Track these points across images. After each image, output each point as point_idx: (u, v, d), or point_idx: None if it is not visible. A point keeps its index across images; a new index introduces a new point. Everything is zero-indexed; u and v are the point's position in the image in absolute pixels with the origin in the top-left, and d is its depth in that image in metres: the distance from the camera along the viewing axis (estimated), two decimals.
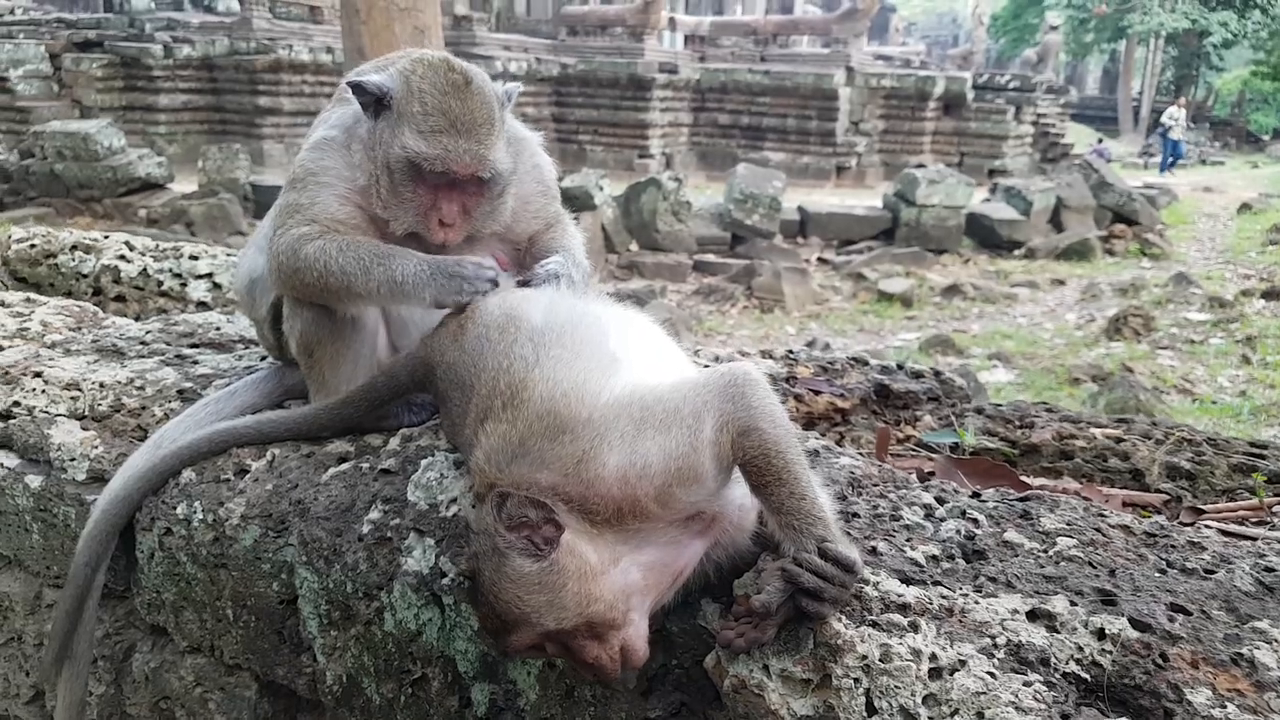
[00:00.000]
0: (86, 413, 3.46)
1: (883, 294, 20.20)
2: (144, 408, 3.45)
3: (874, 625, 2.00)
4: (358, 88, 2.93)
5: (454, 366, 2.61)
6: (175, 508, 3.01)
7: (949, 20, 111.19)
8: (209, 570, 2.96)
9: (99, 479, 3.22)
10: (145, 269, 5.39)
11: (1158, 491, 3.26)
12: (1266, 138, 73.56)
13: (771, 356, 4.23)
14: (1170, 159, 50.00)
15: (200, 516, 2.95)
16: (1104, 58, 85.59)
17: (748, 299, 19.95)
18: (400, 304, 2.98)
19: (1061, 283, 21.96)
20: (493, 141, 2.95)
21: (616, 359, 2.38)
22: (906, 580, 2.13)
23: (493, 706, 2.46)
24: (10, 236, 5.73)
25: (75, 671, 3.07)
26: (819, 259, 24.63)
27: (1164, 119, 51.15)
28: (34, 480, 3.33)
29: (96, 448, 3.31)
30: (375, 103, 2.94)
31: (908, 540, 2.32)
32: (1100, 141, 53.66)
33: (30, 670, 3.57)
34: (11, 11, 42.26)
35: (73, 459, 3.29)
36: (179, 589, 3.05)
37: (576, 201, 23.09)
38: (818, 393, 3.90)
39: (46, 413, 3.47)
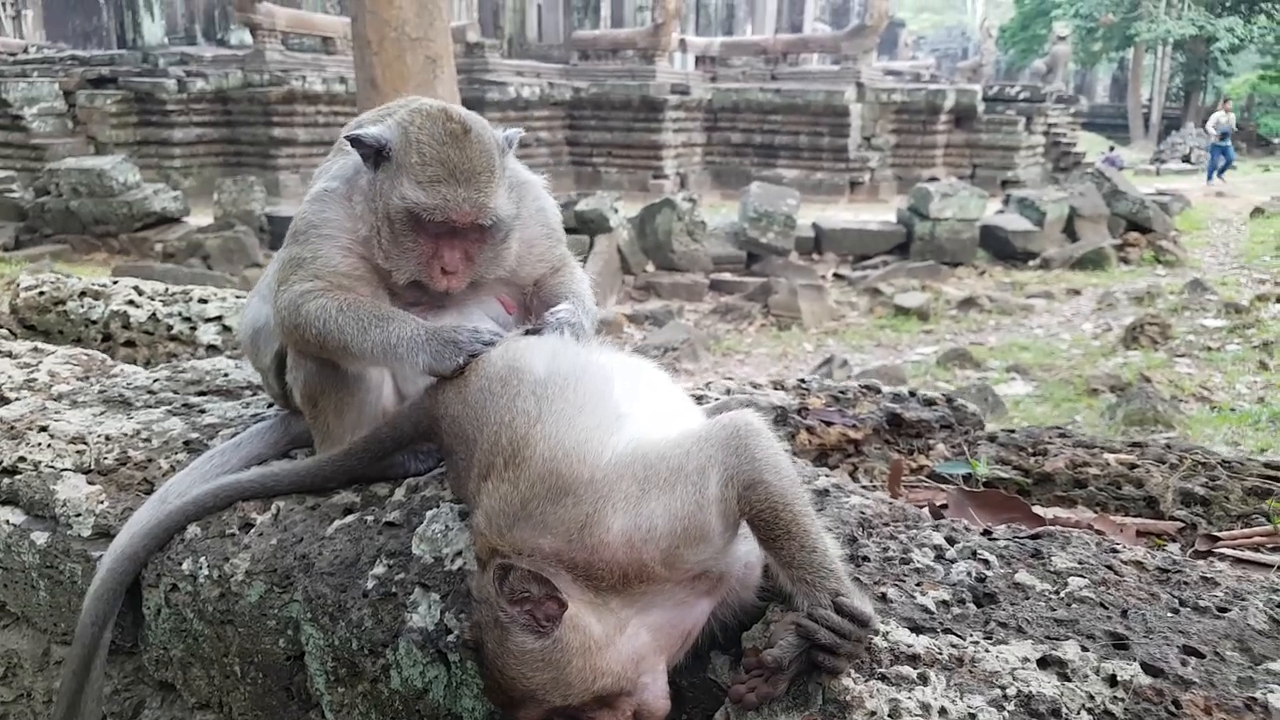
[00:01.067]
0: (92, 466, 3.45)
1: (899, 308, 20.14)
2: (150, 460, 3.44)
3: (883, 679, 1.97)
4: (356, 141, 2.93)
5: (457, 420, 2.59)
6: (181, 563, 2.99)
7: (958, 33, 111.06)
8: (215, 626, 2.94)
9: (105, 534, 3.21)
10: (154, 314, 5.39)
11: (1172, 519, 3.23)
12: (1277, 141, 73.31)
13: (784, 387, 4.20)
14: (1222, 164, 47.22)
15: (206, 572, 2.93)
16: (1113, 66, 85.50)
17: (764, 317, 19.92)
18: (395, 368, 2.97)
19: (1077, 292, 21.87)
20: (493, 189, 2.94)
21: (620, 413, 2.35)
22: (916, 629, 2.10)
23: None
24: (19, 284, 5.75)
25: None
26: (834, 275, 24.59)
27: (1209, 126, 49.57)
28: (40, 537, 3.32)
29: (102, 503, 3.30)
30: (374, 154, 2.94)
31: (918, 585, 2.28)
32: (1112, 149, 53.47)
33: None
34: (25, 50, 42.61)
35: (78, 515, 3.28)
36: (186, 645, 3.03)
37: (592, 224, 23.11)
38: (829, 424, 3.87)
39: (52, 467, 3.46)
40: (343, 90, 32.71)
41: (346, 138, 2.99)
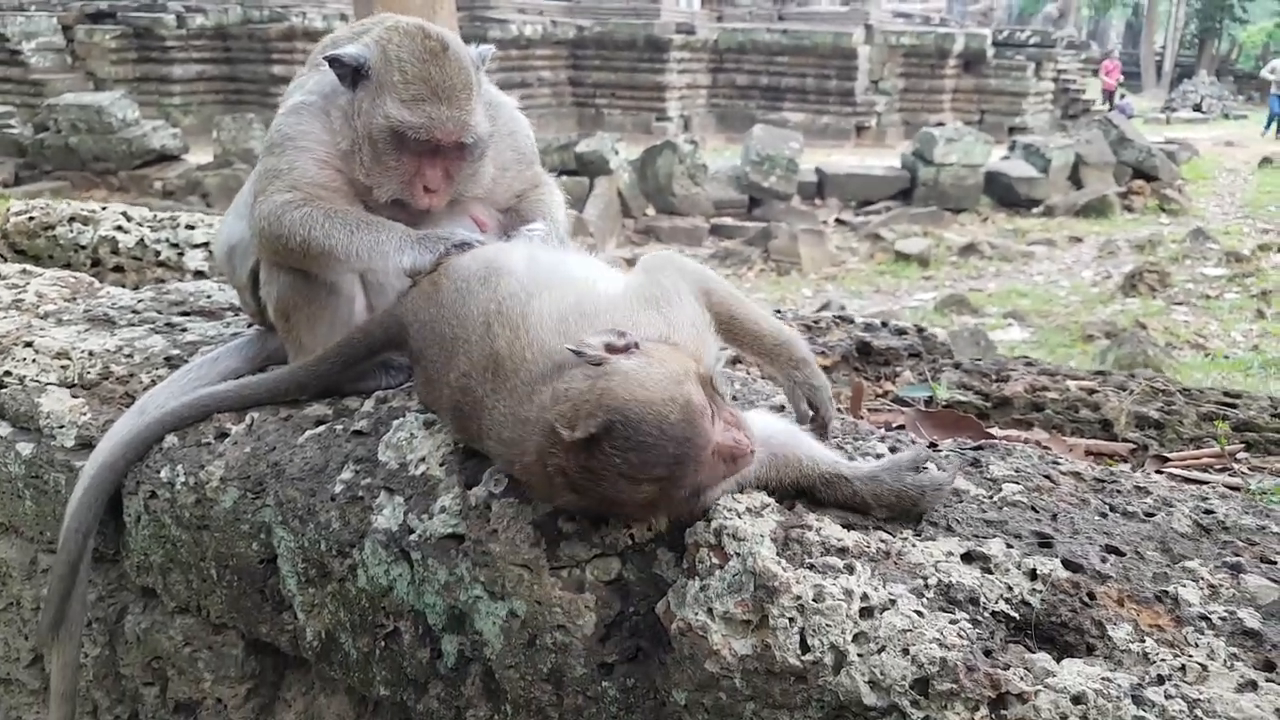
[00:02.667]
0: (76, 381, 3.53)
1: (900, 254, 20.16)
2: (131, 375, 3.52)
3: (810, 568, 2.06)
4: (334, 60, 2.98)
5: (430, 323, 2.68)
6: (159, 472, 3.08)
7: None
8: (192, 532, 3.03)
9: (87, 445, 3.29)
10: (142, 239, 5.45)
11: (1125, 441, 3.31)
12: None
13: None
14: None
15: (182, 480, 3.02)
16: (1126, 11, 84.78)
17: (764, 262, 19.96)
18: (380, 267, 3.01)
19: (1079, 240, 21.88)
20: (473, 106, 3.00)
21: (602, 277, 2.60)
22: (849, 525, 2.20)
23: (461, 657, 2.52)
24: (9, 210, 5.81)
25: (70, 635, 3.15)
26: (836, 220, 24.59)
27: (1266, 73, 47.64)
28: (25, 448, 3.41)
29: (85, 415, 3.38)
30: (352, 73, 2.99)
31: None
32: (1122, 97, 53.09)
33: (29, 634, 3.66)
34: None
35: (61, 426, 3.37)
36: (165, 551, 3.12)
37: (592, 166, 23.09)
38: None
39: (37, 381, 3.54)
40: None
41: (325, 58, 3.04)
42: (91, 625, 3.40)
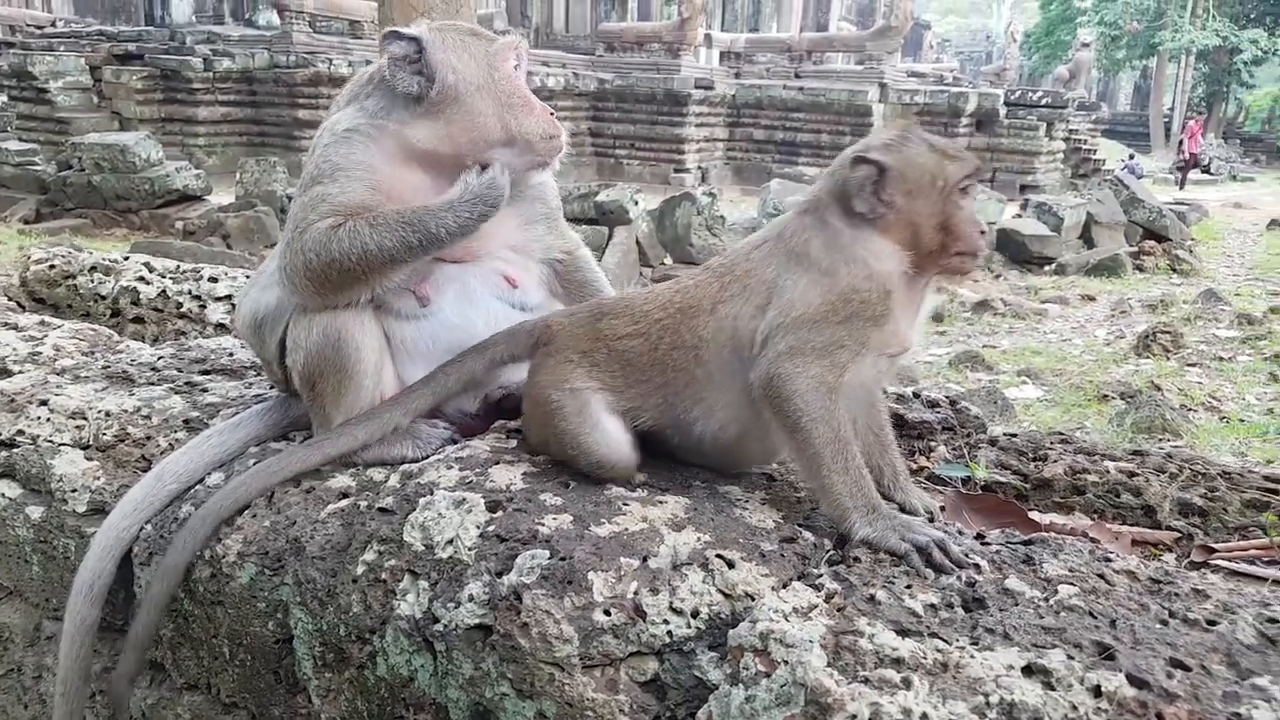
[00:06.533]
0: (91, 442, 3.45)
1: None
2: (149, 438, 3.44)
3: (865, 681, 1.95)
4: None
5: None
6: (174, 543, 2.98)
7: (983, 37, 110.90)
8: (205, 607, 2.93)
9: (100, 510, 3.20)
10: (164, 290, 5.39)
11: (1169, 529, 3.21)
12: None
13: None
14: None
15: (199, 551, 2.93)
16: (1135, 74, 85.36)
17: None
18: (447, 239, 2.98)
19: (1092, 299, 21.78)
20: None
21: None
22: (903, 632, 2.09)
23: None
24: (30, 257, 5.75)
25: (72, 708, 3.05)
26: None
27: None
28: (35, 511, 3.32)
29: (99, 479, 3.30)
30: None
31: (908, 587, 2.27)
32: (1131, 157, 53.25)
33: (29, 702, 3.55)
34: (53, 24, 42.71)
35: (74, 490, 3.28)
36: (176, 625, 3.03)
37: (611, 216, 23.08)
38: None
39: (50, 442, 3.46)
40: None
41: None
42: (95, 697, 3.29)
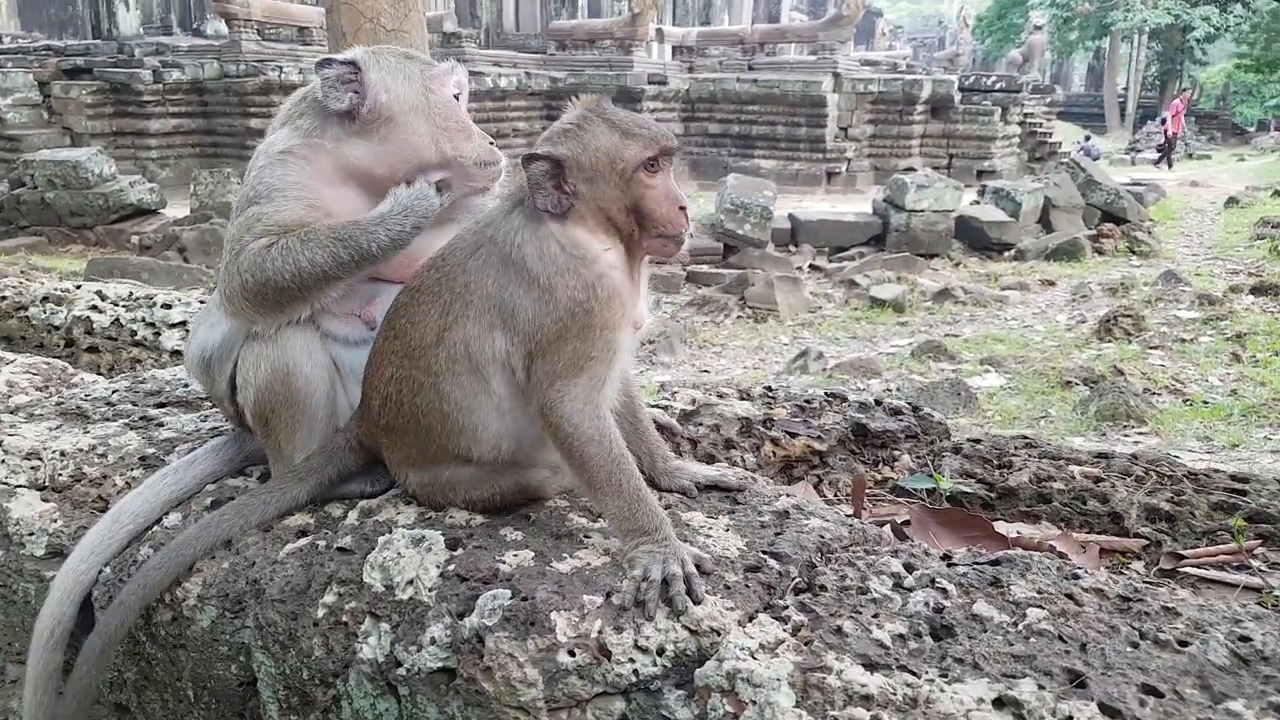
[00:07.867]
0: (47, 483, 3.39)
1: (874, 300, 20.10)
2: (105, 477, 3.38)
3: None
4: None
5: None
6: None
7: (935, 23, 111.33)
8: (168, 651, 2.89)
9: (58, 553, 3.15)
10: (117, 319, 5.32)
11: (1137, 536, 3.20)
12: (1252, 130, 73.78)
13: (749, 396, 4.17)
14: None
15: (157, 596, 2.88)
16: (1089, 55, 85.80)
17: (741, 309, 19.86)
18: (381, 254, 2.93)
19: (1052, 283, 21.88)
20: None
21: None
22: (871, 666, 2.07)
23: None
24: None
25: None
26: (811, 266, 24.57)
27: None
28: None
29: (55, 521, 3.24)
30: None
31: (874, 616, 2.25)
32: (1087, 139, 53.50)
33: None
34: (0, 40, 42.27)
35: (31, 534, 3.23)
36: (139, 669, 2.98)
37: None
38: (794, 435, 3.84)
39: (5, 484, 3.40)
40: None
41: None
42: None
